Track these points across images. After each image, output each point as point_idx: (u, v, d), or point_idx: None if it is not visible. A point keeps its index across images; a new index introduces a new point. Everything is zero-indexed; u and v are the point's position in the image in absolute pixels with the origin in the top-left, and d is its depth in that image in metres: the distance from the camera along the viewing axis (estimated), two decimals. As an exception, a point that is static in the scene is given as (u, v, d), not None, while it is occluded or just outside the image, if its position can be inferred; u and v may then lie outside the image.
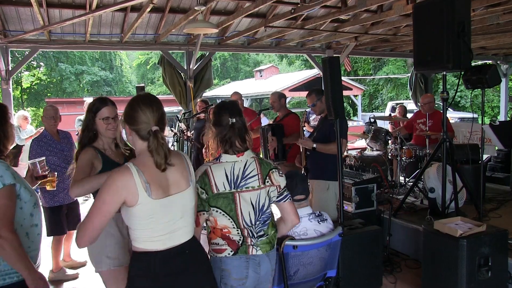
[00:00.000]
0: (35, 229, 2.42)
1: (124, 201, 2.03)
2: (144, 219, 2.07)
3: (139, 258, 2.15)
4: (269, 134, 5.45)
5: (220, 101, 6.63)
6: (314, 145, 4.65)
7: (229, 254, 2.48)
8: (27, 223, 2.37)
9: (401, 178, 7.03)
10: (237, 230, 2.48)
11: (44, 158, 3.29)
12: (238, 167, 2.49)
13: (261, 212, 2.52)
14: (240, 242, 2.48)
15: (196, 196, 2.31)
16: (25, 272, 2.23)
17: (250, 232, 2.50)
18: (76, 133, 8.36)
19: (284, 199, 2.63)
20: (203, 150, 7.69)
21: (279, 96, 6.06)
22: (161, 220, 2.10)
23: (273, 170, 2.58)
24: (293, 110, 6.18)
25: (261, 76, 30.30)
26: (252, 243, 2.50)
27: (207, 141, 7.19)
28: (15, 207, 2.28)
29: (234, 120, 2.51)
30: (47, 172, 3.20)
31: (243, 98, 7.02)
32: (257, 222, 2.51)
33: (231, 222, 2.46)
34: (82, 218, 2.28)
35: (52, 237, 4.98)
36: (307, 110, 6.60)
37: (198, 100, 8.55)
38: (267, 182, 2.53)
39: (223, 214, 2.45)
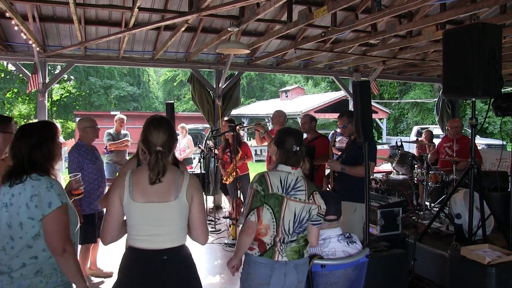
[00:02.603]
0: (75, 248, 2.58)
1: (119, 198, 2.41)
2: (128, 216, 2.45)
3: (125, 251, 2.53)
4: None
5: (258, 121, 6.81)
6: (342, 167, 4.70)
7: (255, 254, 2.75)
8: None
9: (427, 203, 6.98)
10: (273, 233, 2.72)
11: (80, 174, 3.45)
12: (291, 178, 2.83)
13: (299, 224, 2.78)
14: (269, 247, 2.73)
15: (185, 211, 2.49)
16: (83, 285, 2.45)
17: (282, 239, 2.73)
18: (105, 147, 8.56)
19: (317, 224, 2.88)
20: (220, 170, 7.79)
21: (310, 119, 6.17)
22: (140, 221, 2.41)
23: (316, 192, 2.87)
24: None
25: (286, 96, 30.48)
26: (280, 248, 2.73)
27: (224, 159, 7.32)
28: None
29: (298, 148, 2.89)
30: (82, 189, 3.42)
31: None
32: (293, 233, 2.76)
33: (273, 221, 2.72)
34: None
35: (80, 245, 5.08)
36: (336, 130, 6.65)
37: (225, 118, 8.66)
38: (311, 199, 2.81)
39: (270, 212, 2.75)
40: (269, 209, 2.73)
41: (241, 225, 2.81)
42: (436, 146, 8.31)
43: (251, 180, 2.96)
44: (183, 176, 2.51)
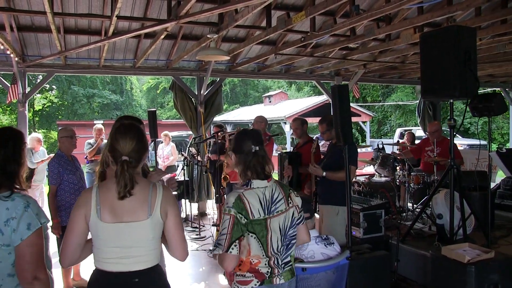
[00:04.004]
0: (48, 263, 2.45)
1: (84, 216, 2.19)
2: (94, 237, 2.22)
3: (92, 275, 2.30)
4: (285, 162, 5.50)
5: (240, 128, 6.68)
6: (324, 174, 4.72)
7: (255, 285, 2.47)
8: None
9: (409, 204, 7.04)
10: (266, 260, 2.47)
11: None
12: (268, 192, 2.53)
13: (285, 235, 2.55)
14: (268, 275, 2.48)
15: (158, 229, 2.28)
16: None
17: (276, 260, 2.50)
18: (85, 157, 8.52)
19: (302, 221, 2.68)
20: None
21: (302, 122, 6.01)
22: (109, 243, 2.19)
23: (290, 190, 2.65)
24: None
25: (270, 101, 30.52)
26: (278, 273, 2.50)
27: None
28: None
29: (257, 148, 2.56)
30: None
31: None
32: (282, 248, 2.53)
33: (262, 250, 2.45)
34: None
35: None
36: (317, 136, 6.65)
37: (213, 126, 8.60)
38: (290, 203, 2.59)
39: (257, 241, 2.45)
40: (255, 237, 2.45)
41: (217, 255, 2.43)
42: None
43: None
44: (156, 190, 2.28)
